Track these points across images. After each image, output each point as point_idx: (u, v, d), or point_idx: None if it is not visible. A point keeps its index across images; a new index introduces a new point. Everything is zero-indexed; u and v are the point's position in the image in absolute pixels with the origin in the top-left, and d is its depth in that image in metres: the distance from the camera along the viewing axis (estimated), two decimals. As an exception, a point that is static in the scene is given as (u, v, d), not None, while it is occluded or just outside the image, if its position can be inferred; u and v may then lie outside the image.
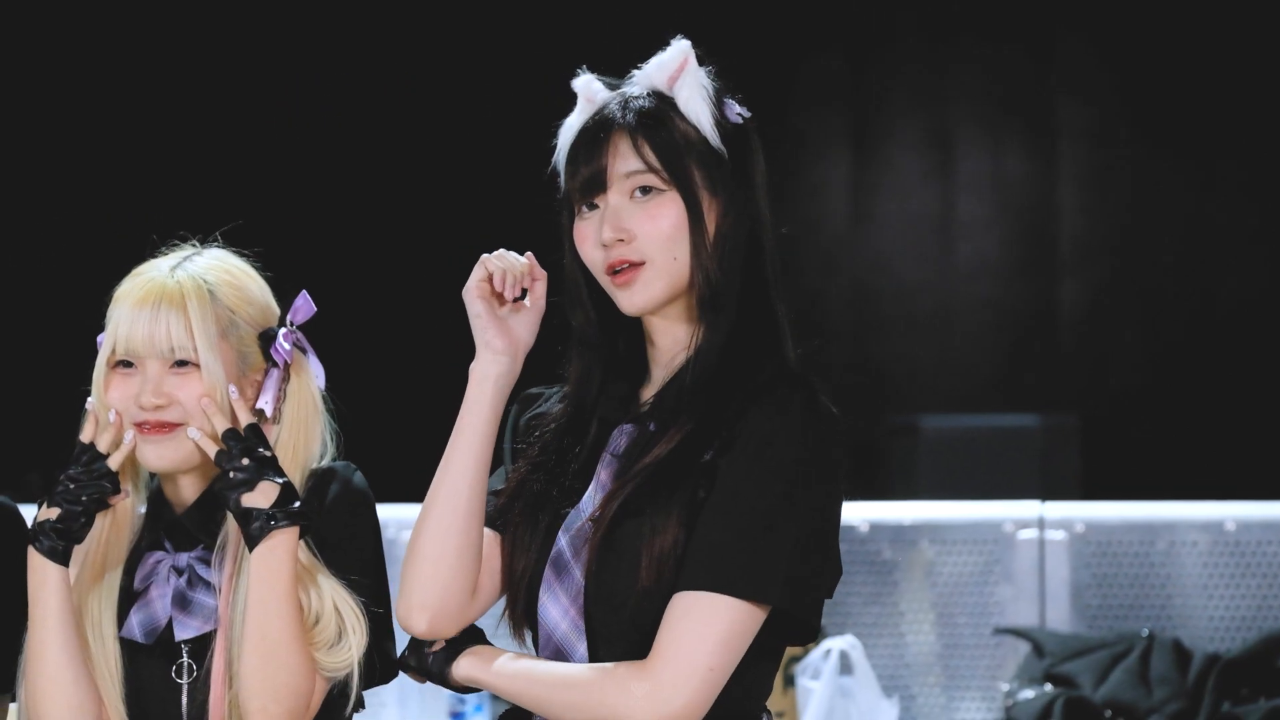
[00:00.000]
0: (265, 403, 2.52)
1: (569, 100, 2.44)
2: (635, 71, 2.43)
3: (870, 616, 4.40)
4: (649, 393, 2.40)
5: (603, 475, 2.36)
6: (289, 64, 7.79)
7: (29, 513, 2.51)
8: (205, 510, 2.53)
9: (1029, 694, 4.14)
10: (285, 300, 2.59)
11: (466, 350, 2.43)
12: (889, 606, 4.39)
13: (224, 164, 7.67)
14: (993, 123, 7.89)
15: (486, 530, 2.39)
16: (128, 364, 2.50)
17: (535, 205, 2.48)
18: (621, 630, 2.30)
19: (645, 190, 2.35)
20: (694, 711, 2.25)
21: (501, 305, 2.42)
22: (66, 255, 7.35)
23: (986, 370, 7.85)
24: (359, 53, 7.84)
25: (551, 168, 2.44)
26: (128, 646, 2.51)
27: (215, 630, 2.48)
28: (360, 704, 2.49)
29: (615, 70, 2.44)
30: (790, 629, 2.32)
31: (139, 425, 2.48)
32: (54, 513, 2.45)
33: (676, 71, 2.39)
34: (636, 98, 2.39)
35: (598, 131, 2.37)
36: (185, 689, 2.51)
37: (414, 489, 2.84)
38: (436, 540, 2.35)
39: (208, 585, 2.50)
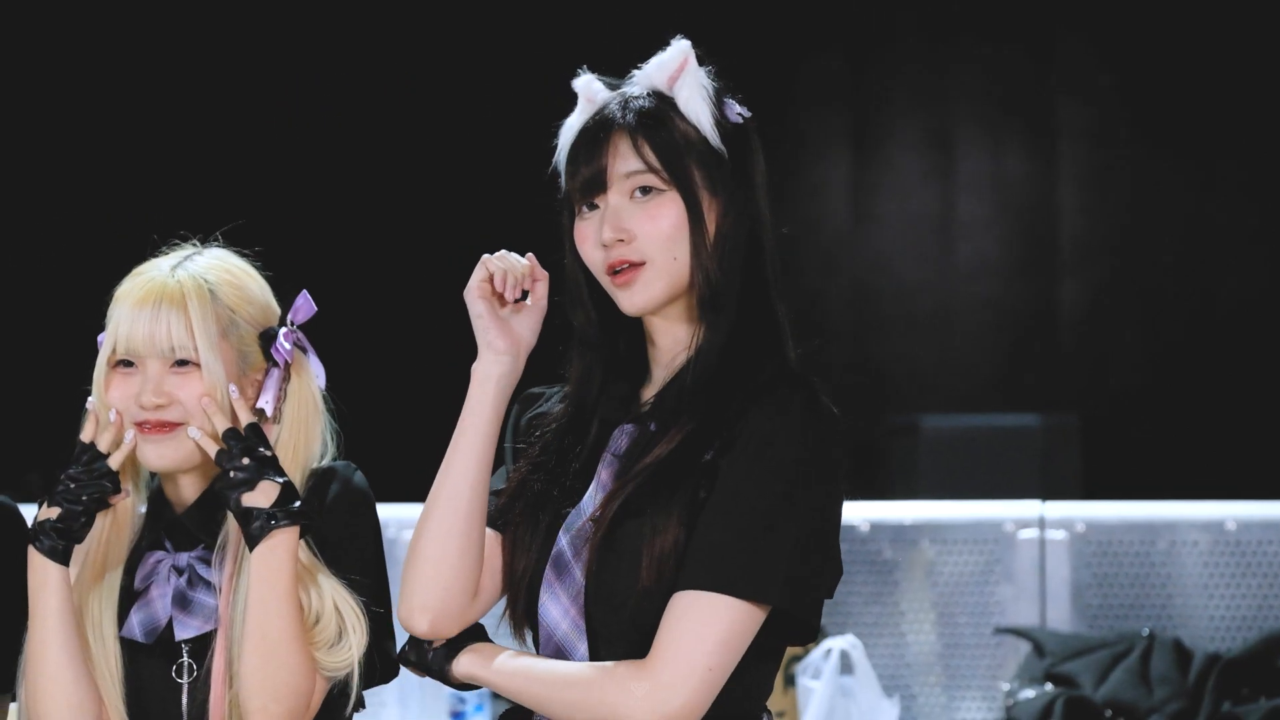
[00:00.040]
0: (266, 402, 2.52)
1: (569, 100, 2.44)
2: (635, 71, 2.42)
3: (871, 616, 4.40)
4: (650, 393, 2.40)
5: (603, 475, 2.36)
6: (289, 64, 7.79)
7: (29, 512, 2.51)
8: (206, 510, 2.53)
9: (1030, 693, 4.14)
10: (286, 300, 2.59)
11: (467, 350, 2.43)
12: (890, 606, 4.39)
13: (224, 164, 7.67)
14: (993, 123, 7.89)
15: (488, 531, 2.39)
16: (128, 363, 2.50)
17: (535, 205, 2.48)
18: (622, 630, 2.30)
19: (645, 190, 2.35)
20: (693, 711, 2.25)
21: (503, 306, 2.42)
22: (66, 255, 7.35)
23: (987, 370, 7.85)
24: (359, 53, 7.85)
25: (552, 168, 2.44)
26: (128, 646, 2.51)
27: (215, 630, 2.48)
28: (360, 704, 2.49)
29: (615, 70, 2.44)
30: (790, 629, 2.32)
31: (139, 425, 2.48)
32: (54, 512, 2.45)
33: (676, 71, 2.39)
34: (636, 98, 2.38)
35: (598, 131, 2.37)
36: (185, 688, 2.51)
37: (414, 489, 2.84)
38: (438, 541, 2.35)
39: (208, 585, 2.50)
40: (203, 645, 2.50)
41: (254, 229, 2.69)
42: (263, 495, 2.42)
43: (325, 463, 2.57)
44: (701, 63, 2.40)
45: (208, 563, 2.51)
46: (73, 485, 2.46)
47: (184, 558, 2.53)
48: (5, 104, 7.67)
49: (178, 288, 2.50)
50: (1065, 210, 7.82)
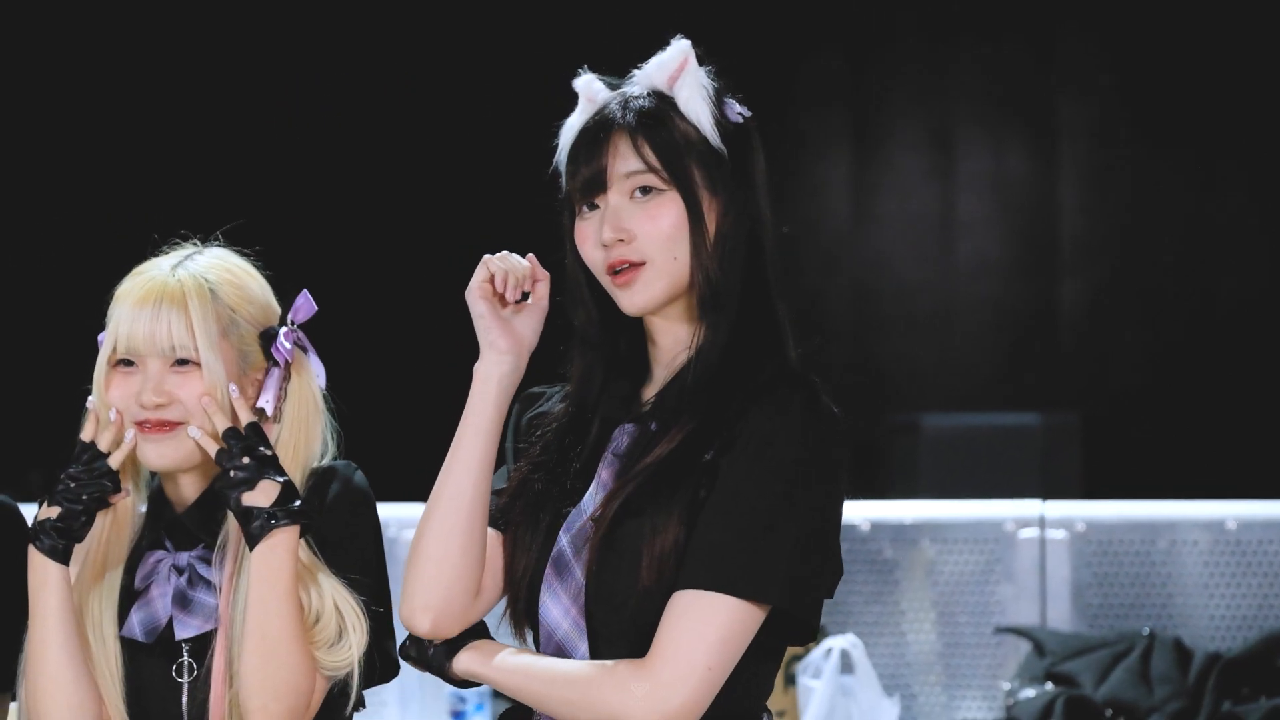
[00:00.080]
0: (266, 402, 2.52)
1: (569, 100, 2.44)
2: (635, 71, 2.42)
3: (871, 615, 4.40)
4: (650, 392, 2.40)
5: (604, 474, 2.36)
6: (289, 64, 7.79)
7: (29, 511, 2.51)
8: (206, 509, 2.53)
9: (1030, 693, 4.14)
10: (286, 299, 2.59)
11: (467, 349, 2.43)
12: (890, 605, 4.39)
13: (225, 163, 7.67)
14: (993, 122, 7.89)
15: (490, 530, 2.39)
16: (129, 363, 2.50)
17: (536, 205, 2.48)
18: (622, 630, 2.30)
19: (645, 190, 2.35)
20: (692, 710, 2.25)
21: (504, 306, 2.42)
22: (66, 255, 7.35)
23: (987, 369, 7.86)
24: (359, 53, 7.85)
25: (553, 168, 2.44)
26: (128, 645, 2.51)
27: (216, 629, 2.48)
28: (361, 703, 2.49)
29: (615, 70, 2.44)
30: (790, 629, 2.32)
31: (140, 424, 2.48)
32: (54, 511, 2.45)
33: (676, 71, 2.39)
34: (636, 97, 2.38)
35: (598, 131, 2.37)
36: (185, 688, 2.51)
37: (415, 488, 2.84)
38: (440, 541, 2.35)
39: (208, 584, 2.50)
40: (203, 644, 2.50)
41: (254, 228, 2.69)
42: (263, 494, 2.42)
43: (325, 462, 2.57)
44: (701, 62, 2.40)
45: (208, 562, 2.51)
46: (73, 484, 2.46)
47: (184, 557, 2.53)
48: (5, 104, 7.67)
49: (178, 287, 2.50)
50: (1065, 210, 7.82)
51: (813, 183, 7.94)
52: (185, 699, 2.50)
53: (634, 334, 2.43)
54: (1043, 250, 7.84)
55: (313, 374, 2.59)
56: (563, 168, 2.42)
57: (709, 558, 2.25)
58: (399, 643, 2.44)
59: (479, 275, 2.41)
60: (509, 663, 2.34)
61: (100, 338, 2.54)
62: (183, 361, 2.49)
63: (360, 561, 2.51)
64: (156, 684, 2.51)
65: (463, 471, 2.36)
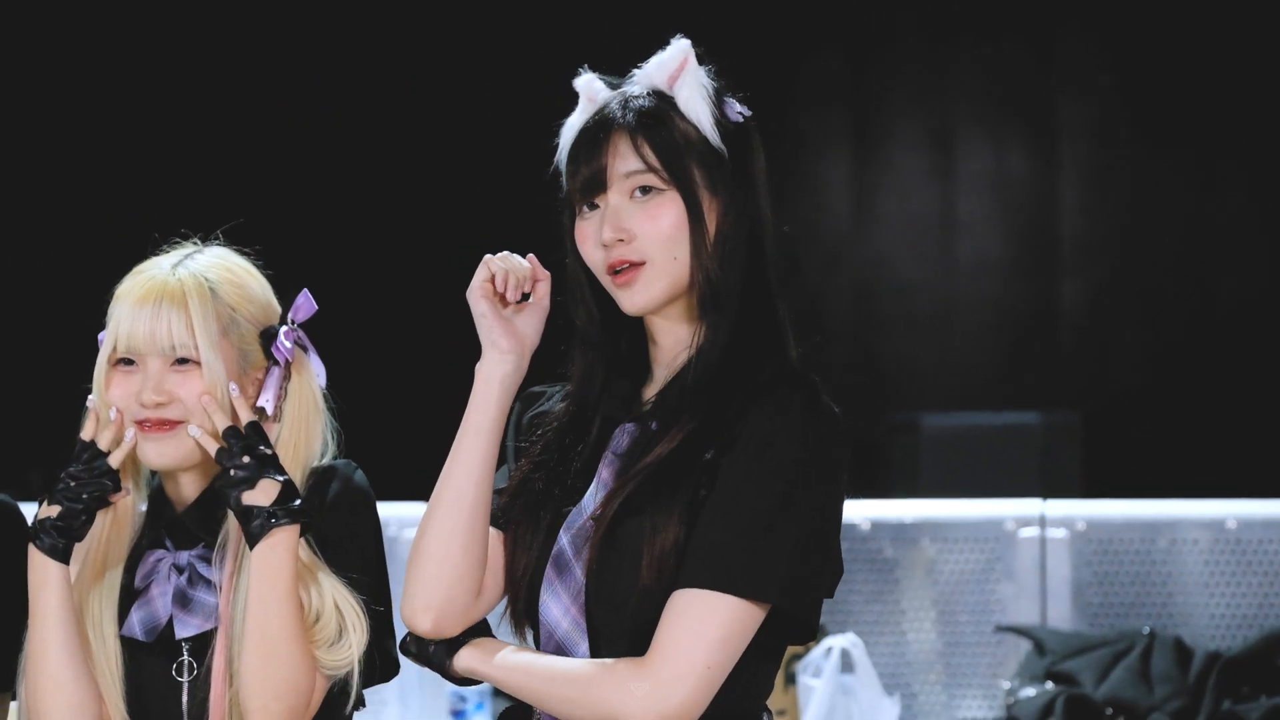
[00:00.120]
0: (266, 401, 2.52)
1: (569, 100, 2.44)
2: (635, 71, 2.42)
3: (871, 614, 4.40)
4: (651, 391, 2.40)
5: (604, 474, 2.36)
6: (289, 64, 7.79)
7: (30, 510, 2.51)
8: (206, 508, 2.53)
9: (1030, 692, 4.14)
10: (286, 298, 2.59)
11: (467, 349, 2.43)
12: (890, 604, 4.39)
13: (225, 163, 7.68)
14: (993, 122, 7.90)
15: (491, 530, 2.39)
16: (129, 362, 2.50)
17: (536, 205, 2.48)
18: (622, 629, 2.30)
19: (645, 190, 2.35)
20: (692, 709, 2.25)
21: (505, 306, 2.42)
22: (66, 255, 7.36)
23: (987, 369, 7.86)
24: (359, 53, 7.85)
25: (554, 167, 2.44)
26: (128, 645, 2.51)
27: (216, 628, 2.48)
28: (361, 702, 2.49)
29: (615, 70, 2.44)
30: (790, 628, 2.32)
31: (140, 423, 2.48)
32: (55, 510, 2.45)
33: (676, 70, 2.39)
34: (636, 97, 2.38)
35: (597, 131, 2.37)
36: (186, 687, 2.51)
37: (415, 487, 2.84)
38: (442, 540, 2.35)
39: (208, 583, 2.50)
40: (203, 644, 2.50)
41: (254, 227, 2.69)
42: (263, 493, 2.42)
43: (326, 461, 2.57)
44: (701, 62, 2.40)
45: (208, 561, 2.51)
46: (73, 483, 2.46)
47: (184, 556, 2.53)
48: (5, 104, 7.67)
49: (178, 286, 2.50)
50: (1066, 209, 7.83)
51: (813, 183, 7.94)
52: (185, 698, 2.50)
53: (635, 334, 2.43)
54: (1043, 250, 7.84)
55: (313, 373, 2.59)
56: (563, 167, 2.42)
57: (709, 557, 2.25)
58: (399, 641, 2.44)
59: (480, 275, 2.41)
60: (509, 660, 2.34)
61: (100, 337, 2.54)
62: (183, 360, 2.49)
63: (360, 560, 2.50)
64: (156, 683, 2.51)
65: (464, 471, 2.36)
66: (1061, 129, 7.81)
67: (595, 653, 2.32)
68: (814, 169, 7.96)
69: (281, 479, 2.43)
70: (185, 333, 2.48)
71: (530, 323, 2.42)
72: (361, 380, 3.12)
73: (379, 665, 2.50)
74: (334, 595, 2.45)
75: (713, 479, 2.28)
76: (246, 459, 2.43)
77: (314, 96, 7.81)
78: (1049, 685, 4.16)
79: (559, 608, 2.34)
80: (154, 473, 2.57)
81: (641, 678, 2.25)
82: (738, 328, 2.36)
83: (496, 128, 7.33)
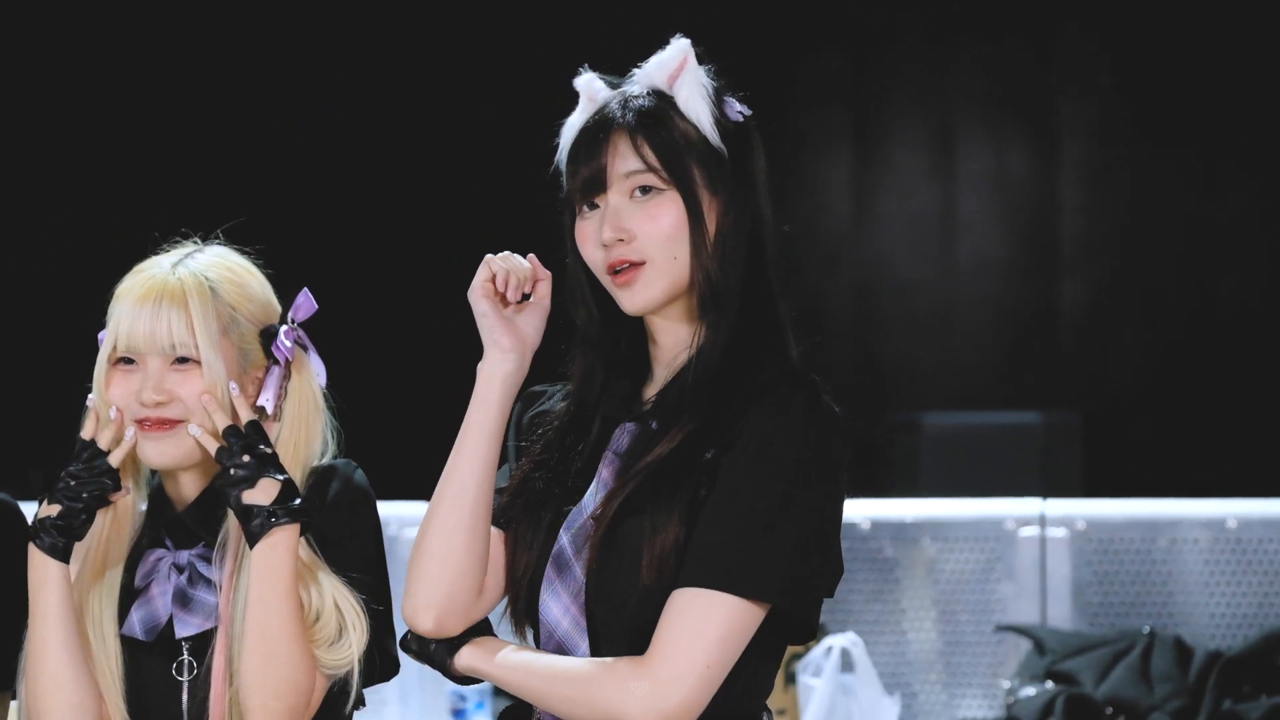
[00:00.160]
0: (266, 400, 2.52)
1: (569, 100, 2.44)
2: (635, 71, 2.42)
3: (872, 614, 4.40)
4: (651, 391, 2.40)
5: (605, 473, 2.36)
6: (289, 64, 7.79)
7: (30, 510, 2.51)
8: (206, 507, 2.53)
9: (1030, 691, 4.14)
10: (286, 297, 2.59)
11: (468, 348, 2.43)
12: (890, 604, 4.39)
13: (225, 162, 7.68)
14: (994, 122, 7.90)
15: (492, 529, 2.39)
16: (129, 361, 2.50)
17: (536, 205, 2.48)
18: (622, 628, 2.30)
19: (645, 190, 2.35)
20: (691, 708, 2.25)
21: (506, 305, 2.42)
22: (66, 255, 7.36)
23: (988, 368, 7.86)
24: (359, 53, 7.85)
25: (554, 167, 2.44)
26: (128, 644, 2.51)
27: (216, 628, 2.48)
28: (361, 702, 2.49)
29: (615, 70, 2.44)
30: (790, 628, 2.32)
31: (140, 422, 2.48)
32: (55, 510, 2.45)
33: (676, 70, 2.39)
34: (636, 97, 2.38)
35: (597, 131, 2.37)
36: (186, 686, 2.51)
37: (415, 486, 2.84)
38: (443, 539, 2.35)
39: (208, 582, 2.50)
40: (203, 643, 2.50)
41: (254, 227, 2.69)
42: (263, 493, 2.42)
43: (326, 460, 2.57)
44: (701, 62, 2.40)
45: (208, 560, 2.51)
46: (73, 483, 2.46)
47: (184, 555, 2.53)
48: (5, 104, 7.67)
49: (178, 285, 2.50)
50: (1066, 209, 7.83)
51: (813, 183, 7.94)
52: (185, 697, 2.50)
53: (635, 333, 2.43)
54: (1043, 250, 7.84)
55: (313, 372, 2.59)
56: (563, 167, 2.42)
57: (709, 556, 2.25)
58: (399, 639, 2.44)
59: (481, 275, 2.41)
60: (510, 659, 2.34)
61: (100, 336, 2.54)
62: (183, 360, 2.49)
63: (360, 560, 2.51)
64: (156, 682, 2.51)
65: (466, 470, 2.36)
66: (1061, 129, 7.81)
67: (595, 652, 2.32)
68: (814, 169, 7.96)
69: (281, 478, 2.43)
70: (185, 332, 2.48)
71: (531, 322, 2.42)
72: (361, 380, 3.13)
73: (379, 664, 2.50)
74: (334, 594, 2.45)
75: (713, 479, 2.28)
76: (246, 458, 2.43)
77: (314, 96, 7.81)
78: (1049, 685, 4.16)
79: (559, 607, 2.34)
80: (154, 472, 2.57)
81: (641, 677, 2.25)
82: (738, 327, 2.36)
83: (496, 128, 7.33)
